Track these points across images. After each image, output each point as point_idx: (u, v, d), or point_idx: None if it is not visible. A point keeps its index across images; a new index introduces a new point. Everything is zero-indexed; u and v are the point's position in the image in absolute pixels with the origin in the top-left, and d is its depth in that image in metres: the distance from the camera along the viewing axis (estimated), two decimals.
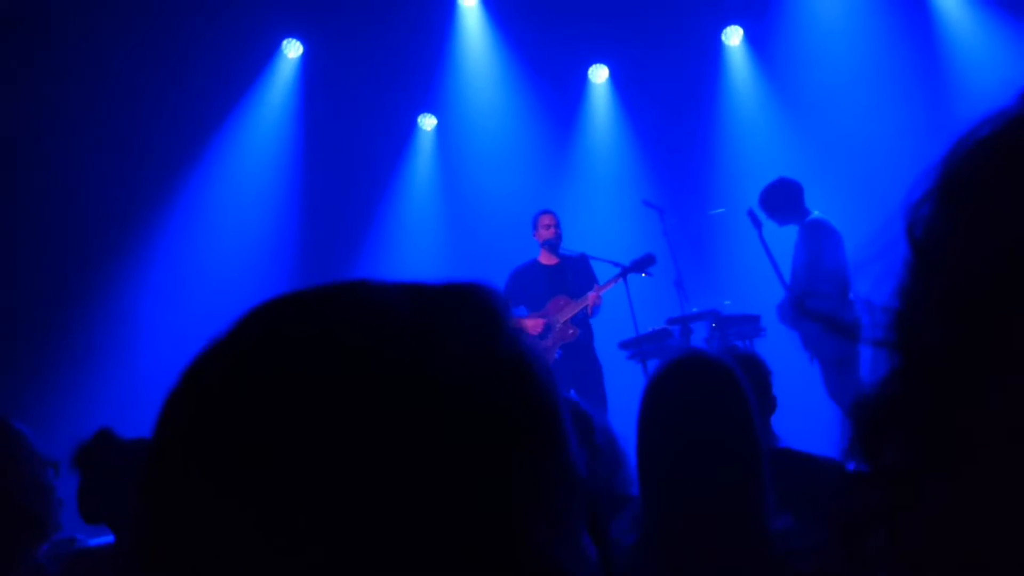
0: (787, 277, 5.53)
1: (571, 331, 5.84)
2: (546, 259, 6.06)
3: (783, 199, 5.62)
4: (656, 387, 1.68)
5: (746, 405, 1.62)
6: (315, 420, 0.45)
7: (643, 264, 5.79)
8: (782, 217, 5.66)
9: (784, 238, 5.73)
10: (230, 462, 0.45)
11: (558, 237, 6.01)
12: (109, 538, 2.22)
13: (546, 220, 6.03)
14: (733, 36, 8.08)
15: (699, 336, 5.90)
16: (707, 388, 1.63)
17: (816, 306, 5.31)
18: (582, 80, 8.37)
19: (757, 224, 5.57)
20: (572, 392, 5.79)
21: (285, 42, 7.66)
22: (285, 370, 0.47)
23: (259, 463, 0.44)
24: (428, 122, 8.45)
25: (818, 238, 5.39)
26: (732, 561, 1.52)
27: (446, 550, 0.43)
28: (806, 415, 4.57)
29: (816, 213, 5.57)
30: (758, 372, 2.56)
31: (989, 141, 0.46)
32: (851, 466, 0.50)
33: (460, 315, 0.50)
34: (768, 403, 2.55)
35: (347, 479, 0.44)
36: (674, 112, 8.09)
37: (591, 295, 5.78)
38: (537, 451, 0.48)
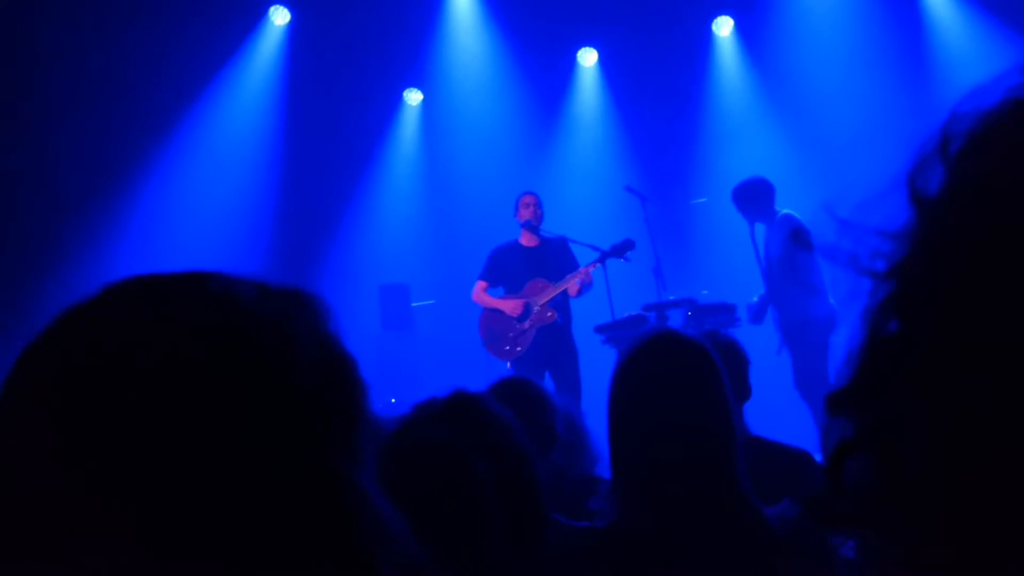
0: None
1: (549, 314, 5.85)
2: (526, 240, 6.05)
3: (757, 197, 5.73)
4: (627, 364, 1.67)
5: (719, 382, 1.62)
6: (178, 387, 0.57)
7: (622, 249, 5.79)
8: (753, 214, 5.77)
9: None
10: (76, 425, 0.55)
11: (539, 218, 6.00)
12: None
13: (527, 200, 6.02)
14: (723, 26, 8.08)
15: (675, 323, 5.92)
16: (678, 365, 1.62)
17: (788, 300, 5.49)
18: (571, 62, 8.34)
19: (751, 224, 5.78)
20: (547, 375, 5.81)
21: (273, 8, 7.56)
22: (144, 342, 0.58)
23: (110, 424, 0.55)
24: (414, 97, 8.39)
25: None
26: (710, 539, 1.53)
27: (283, 478, 0.58)
28: (774, 407, 4.63)
29: (785, 210, 5.68)
30: (736, 358, 2.57)
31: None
32: (819, 456, 0.51)
33: (300, 309, 0.65)
34: (743, 390, 2.56)
35: (202, 422, 0.56)
36: (661, 99, 8.09)
37: (579, 273, 5.77)
38: (347, 411, 0.64)
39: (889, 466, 0.47)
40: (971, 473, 0.42)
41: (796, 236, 5.33)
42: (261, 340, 0.61)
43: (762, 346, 5.50)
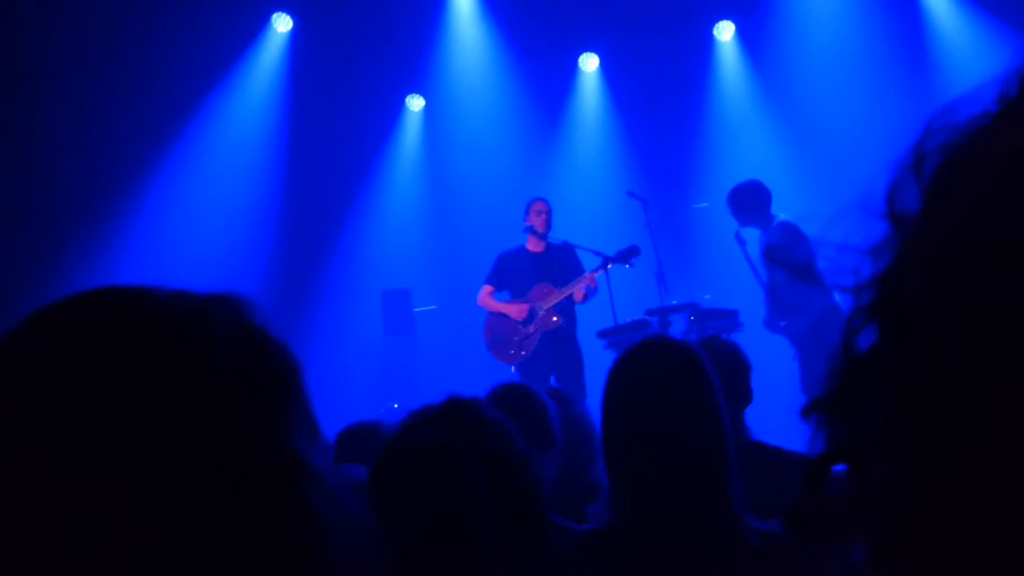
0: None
1: (554, 319, 5.86)
2: (533, 246, 6.07)
3: (753, 201, 5.65)
4: (617, 371, 1.68)
5: (710, 388, 1.62)
6: (129, 385, 0.60)
7: (627, 255, 5.80)
8: (747, 218, 5.68)
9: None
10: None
11: (548, 225, 6.02)
12: None
13: (538, 207, 6.03)
14: (725, 31, 8.09)
15: (677, 328, 5.92)
16: (667, 372, 1.63)
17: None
18: (572, 68, 8.35)
19: (742, 243, 5.69)
20: (552, 380, 5.82)
21: (275, 15, 7.59)
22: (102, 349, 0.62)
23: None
24: (416, 103, 8.40)
25: (792, 239, 5.38)
26: (699, 544, 1.53)
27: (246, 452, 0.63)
28: (778, 411, 4.61)
29: (782, 216, 5.58)
30: (735, 363, 2.56)
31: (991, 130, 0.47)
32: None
33: (217, 306, 0.68)
34: (743, 395, 2.55)
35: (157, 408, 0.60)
36: (663, 104, 8.09)
37: (584, 278, 5.79)
38: (274, 389, 0.67)
39: (864, 476, 0.47)
40: (944, 484, 0.43)
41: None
42: (171, 333, 0.64)
43: (771, 351, 5.51)
